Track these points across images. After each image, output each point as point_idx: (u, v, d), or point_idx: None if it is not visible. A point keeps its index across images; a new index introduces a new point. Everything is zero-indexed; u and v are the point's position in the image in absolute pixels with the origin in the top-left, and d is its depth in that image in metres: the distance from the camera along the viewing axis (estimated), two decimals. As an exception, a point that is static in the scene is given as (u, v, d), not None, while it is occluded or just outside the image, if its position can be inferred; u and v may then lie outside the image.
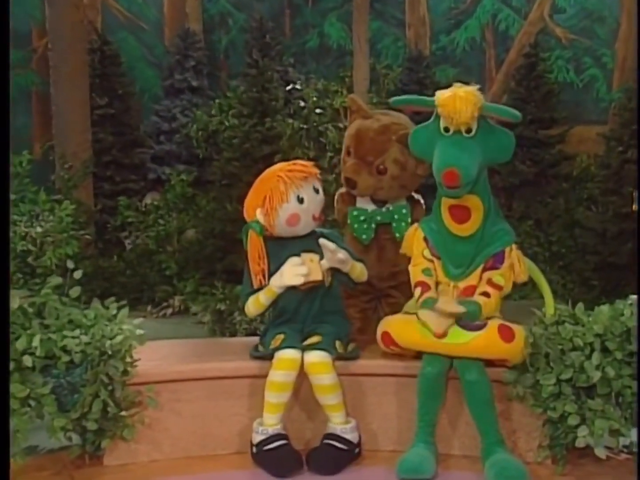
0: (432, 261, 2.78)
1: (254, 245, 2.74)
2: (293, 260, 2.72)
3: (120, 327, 2.70)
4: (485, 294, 2.65)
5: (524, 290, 2.84)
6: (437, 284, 2.75)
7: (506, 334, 2.55)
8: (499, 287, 2.67)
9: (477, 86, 2.57)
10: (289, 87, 10.71)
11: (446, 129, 2.56)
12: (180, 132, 10.85)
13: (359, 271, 2.81)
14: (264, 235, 2.74)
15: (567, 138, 9.81)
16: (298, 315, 2.79)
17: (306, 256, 2.73)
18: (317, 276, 2.70)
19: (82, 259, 7.56)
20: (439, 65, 11.13)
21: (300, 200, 2.73)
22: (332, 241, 2.74)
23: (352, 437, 2.68)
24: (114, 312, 2.76)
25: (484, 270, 2.70)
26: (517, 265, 2.71)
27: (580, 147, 9.93)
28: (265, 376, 2.66)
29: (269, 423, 2.64)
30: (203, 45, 11.57)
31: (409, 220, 3.08)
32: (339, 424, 2.68)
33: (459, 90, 2.51)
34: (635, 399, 2.45)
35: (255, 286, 2.76)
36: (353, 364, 2.81)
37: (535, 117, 9.48)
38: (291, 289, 2.72)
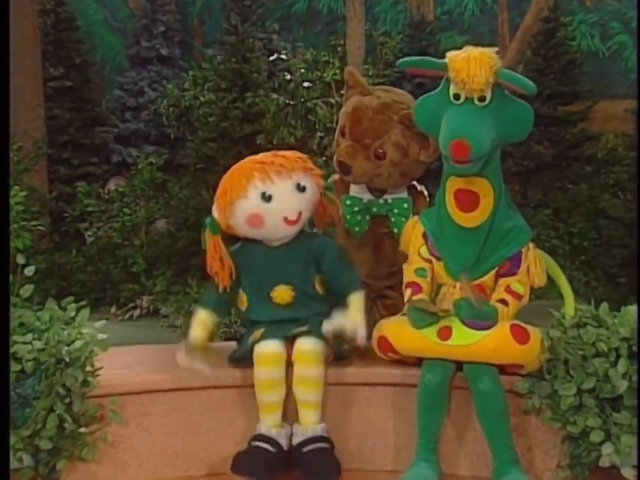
0: (429, 261, 2.78)
1: (208, 245, 2.76)
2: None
3: (80, 331, 2.69)
4: (503, 302, 2.66)
5: (541, 289, 2.86)
6: (439, 286, 2.76)
7: (520, 335, 2.56)
8: (518, 296, 2.69)
9: (495, 49, 2.58)
10: (272, 58, 10.69)
11: (456, 96, 2.56)
12: (149, 109, 10.82)
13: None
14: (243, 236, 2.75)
15: (590, 115, 9.84)
16: (274, 324, 2.79)
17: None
18: None
19: (35, 254, 7.54)
20: (445, 32, 11.15)
21: (267, 198, 2.71)
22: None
23: (326, 433, 2.69)
24: (72, 314, 2.76)
25: (498, 275, 2.71)
26: (533, 268, 2.73)
27: (606, 125, 9.96)
28: (248, 386, 2.67)
29: (266, 423, 2.65)
30: (174, 8, 11.53)
31: (410, 214, 3.07)
32: (314, 424, 2.67)
33: (473, 51, 2.52)
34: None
35: (221, 291, 2.77)
36: (345, 372, 2.82)
37: (555, 91, 9.50)
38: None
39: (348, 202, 3.12)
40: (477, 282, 2.70)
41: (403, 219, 3.05)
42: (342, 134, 3.13)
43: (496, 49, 2.60)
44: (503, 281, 2.70)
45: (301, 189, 2.75)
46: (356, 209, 3.10)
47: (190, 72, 10.73)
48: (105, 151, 10.72)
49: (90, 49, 10.92)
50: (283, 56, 10.77)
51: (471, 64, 2.50)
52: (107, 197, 9.37)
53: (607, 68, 10.75)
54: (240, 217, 2.71)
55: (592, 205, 8.89)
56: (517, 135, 2.66)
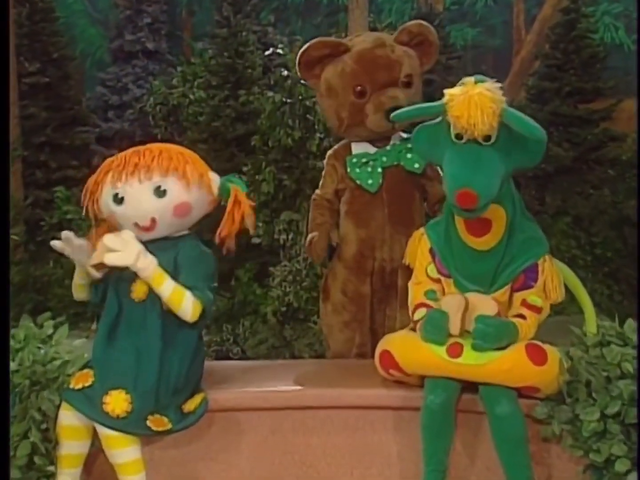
0: (438, 281, 2.79)
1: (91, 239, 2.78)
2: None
3: (57, 350, 2.69)
4: (521, 317, 2.66)
5: (560, 304, 2.87)
6: None
7: (536, 355, 2.57)
8: (536, 309, 2.69)
9: (497, 83, 2.55)
10: (268, 52, 10.69)
11: (458, 136, 2.56)
12: (133, 107, 10.83)
13: (175, 298, 2.64)
14: None
15: (614, 114, 9.83)
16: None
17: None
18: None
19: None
20: (455, 23, 11.16)
21: (118, 200, 2.71)
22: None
23: None
24: (50, 331, 2.76)
25: (514, 290, 2.72)
26: (550, 282, 2.73)
27: (631, 125, 9.94)
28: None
29: None
30: (161, -3, 11.58)
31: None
32: None
33: (474, 93, 2.48)
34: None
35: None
36: (345, 394, 2.82)
37: (575, 88, 9.50)
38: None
39: (354, 159, 3.30)
40: (490, 296, 2.70)
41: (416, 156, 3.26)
42: (361, 93, 3.34)
43: (499, 85, 2.55)
44: (519, 295, 2.70)
45: (160, 192, 2.72)
46: (364, 160, 3.27)
47: (179, 68, 10.73)
48: (85, 153, 10.71)
49: (69, 42, 10.94)
50: (279, 50, 10.76)
51: (472, 109, 2.46)
52: (87, 203, 9.36)
53: (633, 63, 10.73)
54: (104, 214, 2.77)
55: (615, 212, 8.89)
56: (528, 165, 2.68)
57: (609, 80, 9.83)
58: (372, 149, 3.37)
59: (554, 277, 2.75)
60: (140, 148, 2.79)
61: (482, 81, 2.55)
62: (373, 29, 10.15)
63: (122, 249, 2.55)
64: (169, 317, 2.65)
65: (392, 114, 2.89)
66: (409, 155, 3.33)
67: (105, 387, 2.58)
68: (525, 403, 2.63)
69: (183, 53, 11.49)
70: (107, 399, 2.54)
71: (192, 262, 2.74)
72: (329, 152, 3.50)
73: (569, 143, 9.47)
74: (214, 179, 2.83)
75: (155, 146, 2.81)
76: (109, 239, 2.57)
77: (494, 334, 2.59)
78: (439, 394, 2.64)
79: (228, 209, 2.83)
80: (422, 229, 2.90)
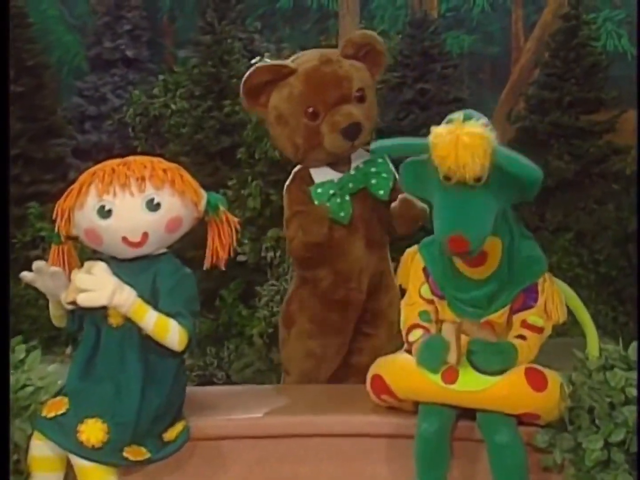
0: (432, 302, 2.80)
1: (50, 256, 2.81)
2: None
3: (29, 377, 2.68)
4: (521, 337, 2.67)
5: (562, 325, 2.88)
6: (441, 322, 2.78)
7: (536, 380, 2.57)
8: (538, 330, 2.70)
9: (485, 122, 2.51)
10: (254, 61, 10.70)
11: (447, 177, 2.53)
12: (112, 118, 10.84)
13: (159, 329, 2.63)
14: None
15: (618, 125, 9.88)
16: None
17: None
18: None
19: (-20, 286, 7.48)
20: (451, 30, 11.24)
21: (105, 213, 2.69)
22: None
23: None
24: (21, 356, 2.74)
25: (513, 311, 2.73)
26: (551, 303, 2.74)
27: (636, 137, 10.03)
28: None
29: None
30: (141, 3, 11.60)
31: (390, 168, 3.31)
32: None
33: (462, 134, 2.42)
34: None
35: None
36: (335, 421, 2.82)
37: (577, 99, 9.55)
38: None
39: (319, 190, 3.27)
40: (484, 319, 2.71)
41: (384, 174, 3.19)
42: (314, 114, 3.32)
43: (488, 123, 2.51)
44: (519, 316, 2.72)
45: (153, 206, 2.71)
46: (332, 191, 3.25)
47: (160, 77, 10.74)
48: (60, 167, 10.69)
49: (44, 49, 10.93)
50: (267, 59, 10.81)
51: (460, 152, 2.41)
52: (63, 219, 9.34)
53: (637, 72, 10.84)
54: (79, 229, 2.74)
55: (620, 229, 8.90)
56: (525, 199, 2.67)
57: (612, 90, 9.88)
58: (333, 174, 3.35)
59: (555, 296, 2.76)
60: (127, 159, 2.79)
61: (470, 117, 2.50)
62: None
63: (95, 288, 2.52)
64: (150, 342, 2.64)
65: (372, 147, 2.86)
66: (373, 181, 3.33)
67: (80, 415, 2.56)
68: (525, 431, 2.64)
69: (164, 61, 11.51)
70: (82, 427, 2.53)
71: (173, 286, 2.73)
72: (287, 183, 3.47)
73: (571, 156, 9.50)
74: (203, 194, 2.84)
75: (142, 158, 2.80)
76: (80, 280, 2.54)
77: (495, 355, 2.59)
78: (434, 421, 2.64)
79: (218, 228, 2.83)
80: (415, 247, 2.90)
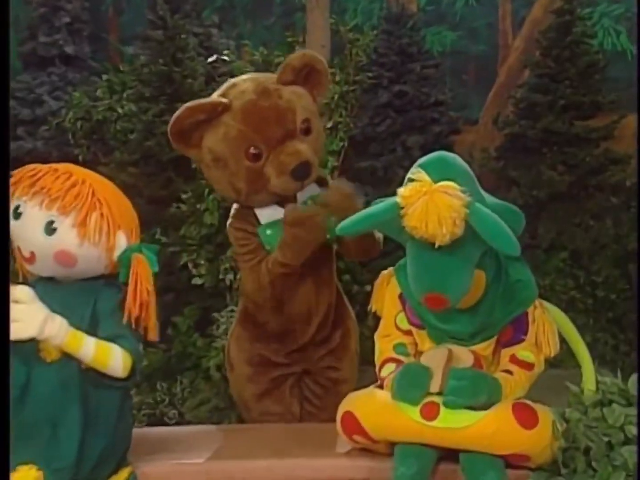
0: (409, 333, 2.82)
1: None
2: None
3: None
4: (508, 372, 2.69)
5: (556, 355, 2.91)
6: (420, 353, 2.80)
7: (525, 417, 2.59)
8: (527, 365, 2.73)
9: (457, 187, 2.52)
10: (212, 59, 10.74)
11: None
12: (49, 123, 10.78)
13: (100, 357, 2.66)
14: None
15: (616, 132, 9.97)
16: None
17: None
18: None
19: None
20: (431, 26, 11.32)
21: (16, 215, 2.79)
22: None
23: None
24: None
25: (501, 344, 2.75)
26: (542, 334, 2.77)
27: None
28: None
29: None
30: (83, -8, 11.58)
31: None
32: None
33: (431, 200, 2.46)
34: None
35: None
36: (300, 465, 2.82)
37: (571, 102, 9.63)
38: None
39: (268, 231, 3.29)
40: (469, 349, 2.73)
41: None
42: (256, 156, 3.22)
43: (459, 187, 2.53)
44: (507, 351, 2.74)
45: (50, 229, 2.75)
46: (280, 230, 3.26)
47: (104, 76, 10.72)
48: (-9, 178, 10.61)
49: (-28, 45, 10.86)
50: (225, 57, 10.84)
51: (430, 221, 2.46)
52: (-7, 237, 9.27)
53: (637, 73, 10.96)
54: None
55: (619, 247, 8.98)
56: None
57: (610, 93, 9.94)
58: (280, 212, 3.39)
59: (547, 326, 2.79)
60: (60, 170, 2.79)
61: (442, 168, 2.52)
62: (336, 32, 10.29)
63: (21, 318, 2.50)
64: (90, 376, 2.63)
65: (339, 228, 2.86)
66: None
67: (12, 462, 2.54)
68: (514, 474, 2.66)
69: (109, 59, 11.49)
70: (14, 476, 2.51)
71: (115, 307, 2.74)
72: (230, 221, 3.49)
73: (565, 166, 9.57)
74: (119, 243, 2.81)
75: (77, 173, 2.80)
76: None
77: (470, 388, 2.62)
78: (412, 464, 2.65)
79: (130, 291, 2.82)
80: (390, 270, 2.93)
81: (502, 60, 11.11)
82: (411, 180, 2.53)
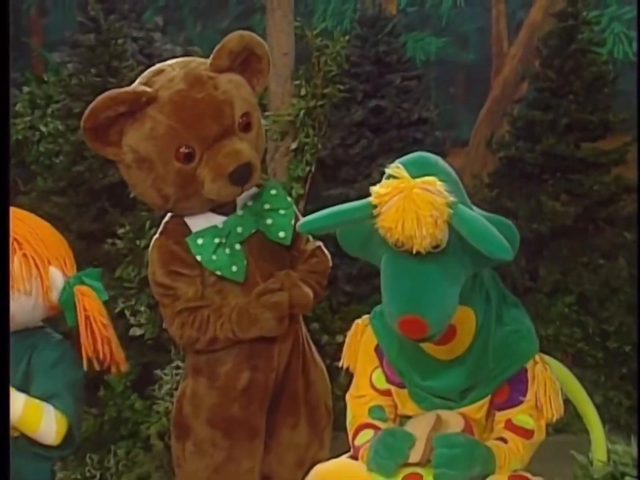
0: (387, 392, 2.81)
1: None
2: None
3: None
4: (502, 440, 2.70)
5: (561, 419, 2.90)
6: (401, 417, 2.80)
7: (522, 492, 2.60)
8: (525, 433, 2.73)
9: (440, 184, 2.53)
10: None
11: (396, 244, 2.55)
12: (-41, 143, 10.74)
13: (29, 417, 2.67)
14: None
15: (629, 156, 10.03)
16: None
17: None
18: None
19: None
20: (413, 31, 11.39)
21: None
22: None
23: None
24: None
25: (495, 406, 2.76)
26: (543, 394, 2.77)
27: (652, 170, 10.21)
28: None
29: None
30: (1, -9, 11.57)
31: (289, 202, 3.38)
32: None
33: (407, 200, 2.46)
34: None
35: None
36: None
37: (576, 121, 9.71)
38: None
39: (199, 240, 3.27)
40: (458, 411, 2.73)
41: (282, 212, 3.22)
42: (188, 156, 3.31)
43: (441, 184, 2.53)
44: (502, 415, 2.74)
45: None
46: (217, 240, 3.24)
47: (25, 88, 10.70)
48: None
49: None
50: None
51: (407, 224, 2.45)
52: None
53: (652, 86, 11.07)
54: None
55: (633, 291, 9.03)
56: (498, 263, 2.71)
57: (622, 110, 9.97)
58: (216, 218, 3.36)
59: (549, 385, 2.79)
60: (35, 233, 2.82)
61: (422, 165, 2.54)
62: (301, 37, 10.34)
63: None
64: (15, 443, 2.62)
65: (301, 224, 2.83)
66: (269, 221, 3.34)
67: None
68: None
69: (31, 67, 11.45)
70: None
71: (52, 363, 2.73)
72: (156, 237, 3.46)
73: (570, 195, 9.63)
74: (54, 281, 2.81)
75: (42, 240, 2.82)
76: None
77: (463, 457, 2.61)
78: None
79: (82, 333, 2.82)
80: (365, 318, 2.92)
81: (495, 71, 11.17)
82: (389, 177, 2.52)
